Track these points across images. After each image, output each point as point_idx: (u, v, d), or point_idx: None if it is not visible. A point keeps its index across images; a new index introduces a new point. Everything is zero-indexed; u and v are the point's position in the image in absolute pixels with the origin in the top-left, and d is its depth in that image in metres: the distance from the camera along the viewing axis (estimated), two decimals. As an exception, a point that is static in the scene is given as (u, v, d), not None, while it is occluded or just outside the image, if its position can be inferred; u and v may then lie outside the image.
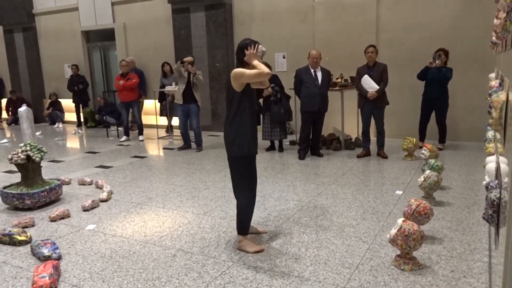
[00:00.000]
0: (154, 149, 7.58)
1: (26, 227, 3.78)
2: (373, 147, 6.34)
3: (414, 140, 5.83)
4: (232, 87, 3.00)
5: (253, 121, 3.03)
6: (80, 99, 10.26)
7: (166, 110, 8.67)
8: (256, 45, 3.00)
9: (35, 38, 10.97)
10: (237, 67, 3.04)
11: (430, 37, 6.80)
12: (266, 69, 2.87)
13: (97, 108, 10.09)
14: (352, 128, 7.32)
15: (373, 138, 6.63)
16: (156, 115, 8.69)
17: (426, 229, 3.39)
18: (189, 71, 6.61)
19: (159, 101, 8.84)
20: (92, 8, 10.05)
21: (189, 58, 6.63)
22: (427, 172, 4.04)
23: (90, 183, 5.19)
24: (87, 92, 10.43)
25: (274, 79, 6.27)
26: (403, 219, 2.90)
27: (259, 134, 6.90)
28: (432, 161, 4.27)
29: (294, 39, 7.97)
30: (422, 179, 3.99)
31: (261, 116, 6.63)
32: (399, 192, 4.41)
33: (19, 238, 3.38)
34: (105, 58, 10.75)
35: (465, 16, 6.62)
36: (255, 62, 2.95)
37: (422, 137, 6.42)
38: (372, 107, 5.87)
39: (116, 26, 9.88)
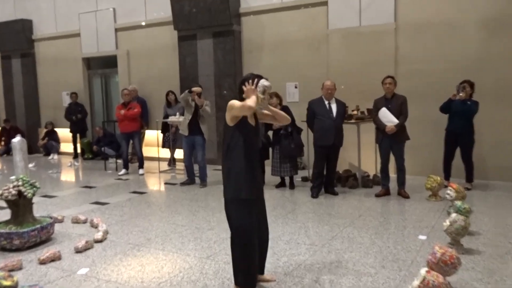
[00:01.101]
0: (155, 184, 7.60)
1: (13, 270, 3.73)
2: (393, 185, 6.29)
3: (439, 178, 5.78)
4: (226, 118, 3.06)
5: (249, 159, 2.99)
6: (77, 129, 10.41)
7: (169, 141, 8.75)
8: (256, 80, 3.04)
9: (33, 65, 11.27)
10: (238, 97, 3.13)
11: (454, 69, 6.87)
12: (249, 103, 2.89)
13: (95, 138, 10.22)
14: (370, 164, 7.30)
15: (393, 175, 6.59)
16: (158, 147, 8.78)
17: (453, 281, 3.26)
18: (196, 102, 6.74)
19: (161, 132, 8.93)
20: (95, 34, 10.36)
21: (197, 89, 6.75)
22: (453, 215, 3.95)
23: (85, 221, 5.18)
24: (85, 122, 10.61)
25: (285, 111, 6.32)
26: (426, 269, 2.82)
27: (268, 169, 6.98)
28: (458, 203, 4.18)
29: (306, 68, 8.09)
30: (448, 223, 3.90)
31: (271, 150, 6.68)
32: (423, 237, 4.33)
33: (5, 283, 3.30)
34: (106, 86, 10.99)
35: (491, 46, 6.69)
36: (251, 98, 2.98)
37: (447, 175, 6.37)
38: (391, 142, 5.87)
39: (119, 53, 10.16)
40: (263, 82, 3.07)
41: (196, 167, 7.31)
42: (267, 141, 6.55)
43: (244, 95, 3.05)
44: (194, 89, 6.74)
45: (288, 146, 6.30)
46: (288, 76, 8.20)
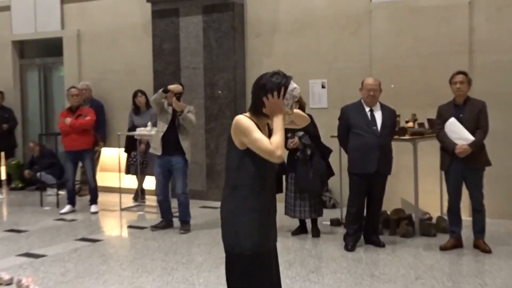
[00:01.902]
0: (114, 228, 7.58)
1: None
2: (467, 233, 6.26)
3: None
4: (231, 137, 3.06)
5: (263, 198, 3.05)
6: (2, 145, 10.41)
7: (136, 165, 8.80)
8: (283, 89, 2.97)
9: None
10: (250, 109, 3.07)
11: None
12: (276, 148, 2.86)
13: (28, 159, 10.26)
14: (433, 201, 7.28)
15: (466, 218, 6.56)
16: (119, 172, 8.80)
17: None
18: (173, 106, 6.79)
19: (125, 151, 8.98)
20: (32, 7, 10.45)
21: (176, 87, 6.82)
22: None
23: (9, 283, 5.17)
24: (14, 135, 10.62)
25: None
26: None
27: (280, 206, 7.01)
28: None
29: (339, 60, 8.12)
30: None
31: (284, 178, 6.71)
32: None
33: None
34: (45, 82, 11.06)
35: None
36: (279, 121, 2.95)
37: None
38: (464, 169, 5.87)
39: (65, 35, 10.25)
40: (292, 89, 3.00)
41: (174, 203, 7.33)
42: (279, 166, 6.55)
43: (266, 111, 2.99)
44: (171, 87, 6.80)
45: (305, 175, 6.38)
46: (312, 71, 8.25)
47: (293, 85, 3.01)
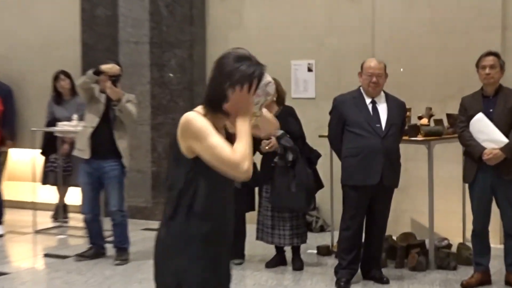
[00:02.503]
0: (25, 257, 7.45)
1: None
2: (497, 265, 6.32)
3: None
4: (177, 141, 2.94)
5: (215, 224, 3.01)
6: None
7: (57, 172, 8.73)
8: (255, 80, 2.84)
9: None
10: (206, 102, 2.92)
11: None
12: (246, 164, 2.74)
13: None
14: (453, 223, 7.33)
15: (496, 245, 6.62)
16: (34, 182, 8.74)
17: None
18: (108, 93, 6.75)
19: (42, 153, 8.93)
20: None
21: (111, 68, 6.73)
22: None
23: None
24: None
25: (285, 118, 6.35)
26: None
27: (251, 229, 6.89)
28: None
29: (332, 34, 8.15)
30: None
31: (256, 191, 6.73)
32: None
33: None
34: None
35: None
36: (245, 124, 2.84)
37: None
38: (494, 181, 5.91)
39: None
40: (266, 83, 2.89)
41: (108, 224, 7.27)
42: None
43: (228, 106, 2.85)
44: (105, 68, 6.73)
45: (284, 188, 6.36)
46: (296, 48, 8.27)
47: (267, 78, 2.88)
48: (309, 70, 8.30)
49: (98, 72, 6.70)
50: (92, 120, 6.83)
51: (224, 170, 2.77)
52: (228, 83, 2.82)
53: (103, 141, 6.78)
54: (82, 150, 6.85)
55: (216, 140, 2.76)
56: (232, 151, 2.73)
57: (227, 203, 3.05)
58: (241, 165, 2.71)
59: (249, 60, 2.88)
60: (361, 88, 6.18)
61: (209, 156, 2.78)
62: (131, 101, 6.85)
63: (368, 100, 6.12)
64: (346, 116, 6.12)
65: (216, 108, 2.89)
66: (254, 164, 6.62)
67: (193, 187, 2.92)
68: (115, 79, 6.72)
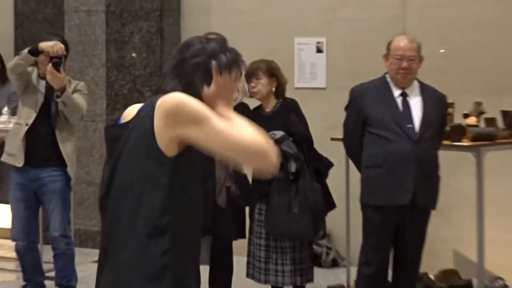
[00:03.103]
0: None
1: None
2: None
3: None
4: (153, 134, 3.00)
5: (188, 252, 3.10)
6: None
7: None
8: (243, 68, 3.12)
9: None
10: (178, 88, 3.03)
11: None
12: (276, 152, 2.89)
13: None
14: (510, 257, 7.37)
15: None
16: None
17: None
18: (48, 80, 6.72)
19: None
20: None
21: (54, 46, 6.69)
22: None
23: None
24: None
25: (285, 114, 6.49)
26: None
27: (240, 263, 6.95)
28: None
29: (348, 5, 8.22)
30: None
31: (249, 213, 6.74)
32: None
33: None
34: None
35: None
36: (229, 113, 3.02)
37: None
38: None
39: None
40: (244, 83, 3.19)
41: (48, 253, 7.26)
42: (239, 193, 6.55)
43: (210, 93, 3.01)
44: (44, 46, 6.67)
45: (285, 210, 6.34)
46: (301, 23, 8.34)
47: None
48: (319, 51, 8.33)
49: (36, 52, 6.66)
50: (28, 115, 6.79)
51: (245, 160, 2.96)
52: (212, 65, 3.03)
53: (41, 144, 6.76)
54: (13, 155, 6.82)
55: (221, 122, 2.84)
56: (256, 134, 2.82)
57: (198, 222, 3.15)
58: (271, 151, 2.82)
59: (230, 50, 3.10)
60: (387, 75, 6.18)
61: (221, 143, 2.84)
62: (79, 90, 6.84)
63: (396, 92, 6.11)
64: (367, 113, 6.11)
65: (194, 94, 2.99)
66: (245, 176, 6.63)
67: (174, 201, 2.98)
68: (57, 61, 6.61)
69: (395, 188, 5.98)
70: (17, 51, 7.98)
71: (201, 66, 3.05)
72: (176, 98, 2.93)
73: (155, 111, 2.93)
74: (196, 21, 8.43)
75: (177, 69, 3.10)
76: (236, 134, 2.83)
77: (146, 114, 2.94)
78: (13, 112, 7.63)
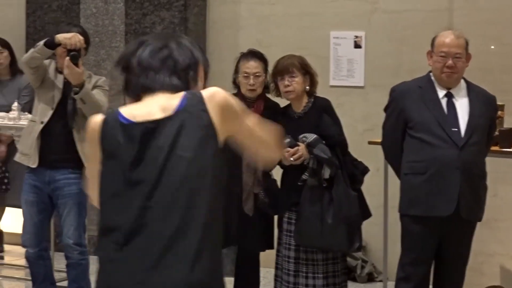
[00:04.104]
0: None
1: None
2: None
3: None
4: (213, 127, 3.13)
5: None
6: None
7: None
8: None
9: None
10: (182, 85, 3.23)
11: None
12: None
13: None
14: None
15: None
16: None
17: None
18: (65, 75, 6.68)
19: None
20: None
21: (72, 38, 6.66)
22: None
23: None
24: None
25: (318, 115, 6.46)
26: None
27: (266, 274, 6.98)
28: None
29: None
30: None
31: (277, 222, 6.70)
32: None
33: None
34: None
35: None
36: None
37: None
38: None
39: None
40: None
41: (60, 260, 7.26)
42: (268, 200, 6.60)
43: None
44: (61, 37, 6.67)
45: (316, 220, 6.28)
46: (337, 15, 8.30)
47: None
48: (357, 46, 8.27)
49: (52, 44, 6.61)
50: (43, 112, 6.75)
51: (266, 152, 3.32)
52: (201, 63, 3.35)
53: (57, 144, 6.73)
54: (27, 155, 6.80)
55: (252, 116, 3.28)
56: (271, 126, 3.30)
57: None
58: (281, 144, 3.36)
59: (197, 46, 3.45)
60: (431, 74, 6.10)
61: (255, 136, 3.27)
62: (100, 86, 6.79)
63: (441, 93, 6.04)
64: (408, 115, 6.04)
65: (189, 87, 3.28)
66: (274, 182, 6.63)
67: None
68: (75, 54, 6.56)
69: (437, 197, 5.92)
70: (28, 42, 8.02)
71: (193, 63, 3.31)
72: (221, 92, 3.19)
73: (208, 106, 3.12)
74: (222, 11, 8.41)
75: (171, 65, 3.29)
76: (265, 130, 3.26)
77: (199, 109, 3.10)
78: (23, 108, 7.64)
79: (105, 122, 3.17)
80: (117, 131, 3.14)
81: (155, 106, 3.14)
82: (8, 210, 8.96)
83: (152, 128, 3.12)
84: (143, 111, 3.14)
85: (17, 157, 7.03)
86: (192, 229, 3.11)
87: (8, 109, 7.95)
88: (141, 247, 3.09)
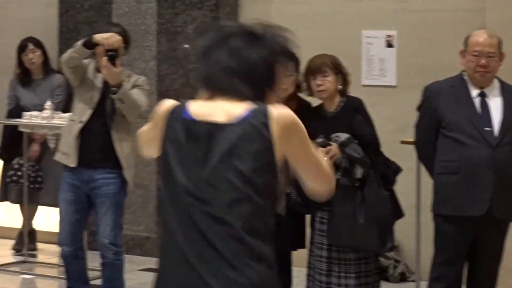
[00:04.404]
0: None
1: None
2: None
3: None
4: (272, 144, 3.15)
5: None
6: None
7: (21, 184, 8.80)
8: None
9: None
10: (249, 96, 3.17)
11: None
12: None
13: None
14: None
15: None
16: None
17: None
18: (103, 75, 6.69)
19: (0, 156, 9.06)
20: None
21: (108, 38, 6.72)
22: None
23: None
24: None
25: (350, 115, 6.47)
26: None
27: (298, 274, 7.02)
28: None
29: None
30: None
31: (309, 221, 6.72)
32: None
33: None
34: None
35: None
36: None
37: None
38: None
39: None
40: None
41: (93, 258, 7.33)
42: (300, 200, 6.52)
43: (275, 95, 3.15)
44: (99, 37, 6.68)
45: (349, 219, 6.31)
46: (369, 13, 8.31)
47: None
48: (389, 45, 8.27)
49: (90, 44, 6.64)
50: (82, 112, 6.79)
51: (320, 186, 3.33)
52: (278, 61, 3.25)
53: (95, 143, 6.75)
54: (67, 155, 6.83)
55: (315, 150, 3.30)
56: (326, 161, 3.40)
57: None
58: (334, 179, 3.36)
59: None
60: (464, 73, 6.09)
61: (313, 167, 3.27)
62: (139, 86, 6.80)
63: (474, 92, 6.02)
64: (441, 114, 6.04)
65: (263, 98, 3.22)
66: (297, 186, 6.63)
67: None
68: (113, 54, 6.60)
69: (470, 197, 5.91)
70: (61, 41, 8.07)
71: (270, 67, 3.22)
72: (292, 115, 3.18)
73: (272, 123, 3.11)
74: (254, 10, 8.41)
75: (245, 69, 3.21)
76: (323, 164, 3.28)
77: (260, 123, 3.10)
78: (56, 107, 7.68)
79: (172, 112, 3.18)
80: (178, 124, 3.16)
81: (220, 110, 3.13)
82: (41, 209, 9.01)
83: (211, 130, 3.13)
84: (207, 111, 3.13)
85: (57, 156, 7.07)
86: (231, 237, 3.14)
87: (41, 108, 8.03)
88: None
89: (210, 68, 3.21)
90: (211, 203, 3.13)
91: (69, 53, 6.71)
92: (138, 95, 6.73)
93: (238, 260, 3.08)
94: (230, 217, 3.12)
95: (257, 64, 3.19)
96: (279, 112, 3.12)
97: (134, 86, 6.76)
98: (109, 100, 6.70)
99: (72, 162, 6.76)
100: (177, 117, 3.17)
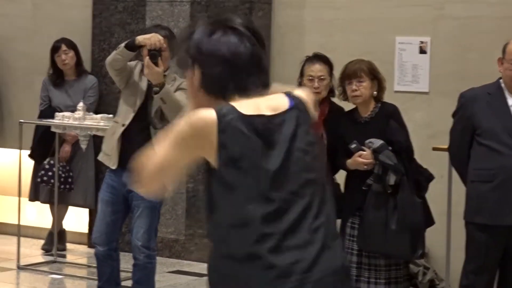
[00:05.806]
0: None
1: None
2: None
3: None
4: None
5: None
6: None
7: (53, 185, 8.81)
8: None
9: None
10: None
11: None
12: None
13: None
14: None
15: None
16: (19, 197, 8.83)
17: None
18: (145, 74, 6.71)
19: (31, 156, 9.09)
20: None
21: (150, 38, 6.75)
22: None
23: None
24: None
25: (384, 121, 6.45)
26: None
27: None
28: None
29: (456, 0, 8.13)
30: None
31: (340, 226, 6.60)
32: None
33: None
34: None
35: None
36: None
37: None
38: None
39: None
40: None
41: (126, 259, 7.38)
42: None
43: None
44: (141, 38, 6.73)
45: (380, 225, 6.28)
46: (402, 19, 8.29)
47: None
48: (422, 51, 8.24)
49: (132, 46, 6.70)
50: (125, 115, 6.85)
51: None
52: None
53: (136, 146, 6.43)
54: (109, 156, 6.90)
55: None
56: None
57: None
58: None
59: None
60: (501, 81, 6.07)
61: None
62: (183, 89, 6.61)
63: (510, 100, 6.02)
64: (476, 121, 6.04)
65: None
66: (337, 186, 6.60)
67: None
68: (155, 53, 6.61)
69: (504, 206, 5.91)
70: (94, 43, 8.10)
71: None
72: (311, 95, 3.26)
73: (307, 107, 3.17)
74: (287, 15, 8.43)
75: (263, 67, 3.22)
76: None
77: (303, 108, 3.14)
78: (89, 108, 7.69)
79: (221, 115, 2.96)
80: (239, 122, 3.00)
81: (261, 105, 3.07)
82: (71, 209, 9.05)
83: (271, 121, 3.07)
84: (252, 108, 3.03)
85: (100, 157, 7.14)
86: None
87: (73, 109, 8.07)
88: None
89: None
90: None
91: (112, 55, 6.78)
92: (181, 96, 6.67)
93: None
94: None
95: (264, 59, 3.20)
96: (306, 95, 3.22)
97: (178, 89, 6.75)
98: (150, 100, 6.74)
99: (113, 164, 6.83)
100: (233, 117, 3.01)
